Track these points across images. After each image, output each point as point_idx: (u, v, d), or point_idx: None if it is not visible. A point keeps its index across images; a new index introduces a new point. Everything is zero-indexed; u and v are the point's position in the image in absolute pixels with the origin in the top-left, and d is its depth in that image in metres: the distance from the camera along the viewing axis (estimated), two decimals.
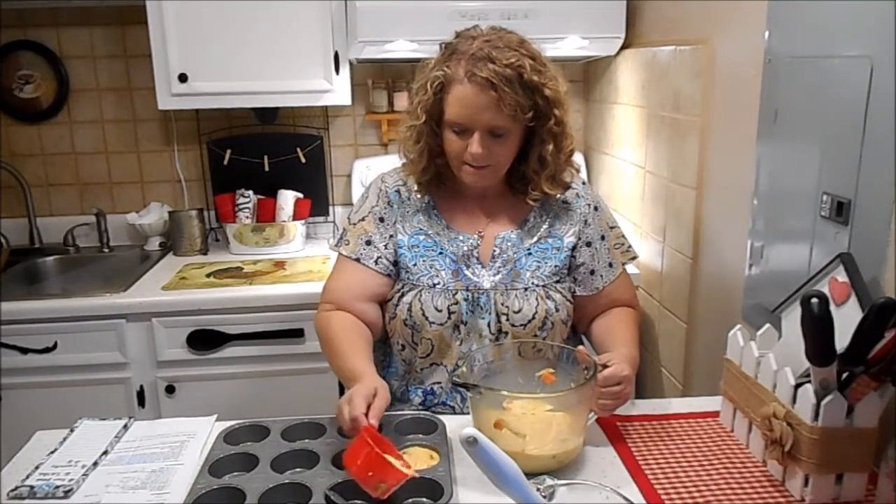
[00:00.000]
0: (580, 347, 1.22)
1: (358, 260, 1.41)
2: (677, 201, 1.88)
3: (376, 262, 1.41)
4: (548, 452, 1.11)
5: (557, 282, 1.41)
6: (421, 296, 1.37)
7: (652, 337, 2.08)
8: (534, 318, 1.36)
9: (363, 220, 1.44)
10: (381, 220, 1.43)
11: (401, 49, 2.13)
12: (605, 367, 1.17)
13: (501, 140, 1.31)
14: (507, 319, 1.36)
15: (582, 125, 2.67)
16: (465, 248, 1.39)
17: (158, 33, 2.16)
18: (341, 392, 2.13)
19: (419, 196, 1.44)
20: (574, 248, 1.43)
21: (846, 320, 1.02)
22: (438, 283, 1.38)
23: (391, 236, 1.42)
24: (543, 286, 1.39)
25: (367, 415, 1.10)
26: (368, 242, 1.42)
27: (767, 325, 1.24)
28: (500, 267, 1.39)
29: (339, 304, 1.41)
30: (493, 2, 2.08)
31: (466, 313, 1.37)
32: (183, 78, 2.19)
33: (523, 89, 1.27)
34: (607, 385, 1.17)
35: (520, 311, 1.36)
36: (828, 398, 1.00)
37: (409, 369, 1.44)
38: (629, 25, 2.16)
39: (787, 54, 1.36)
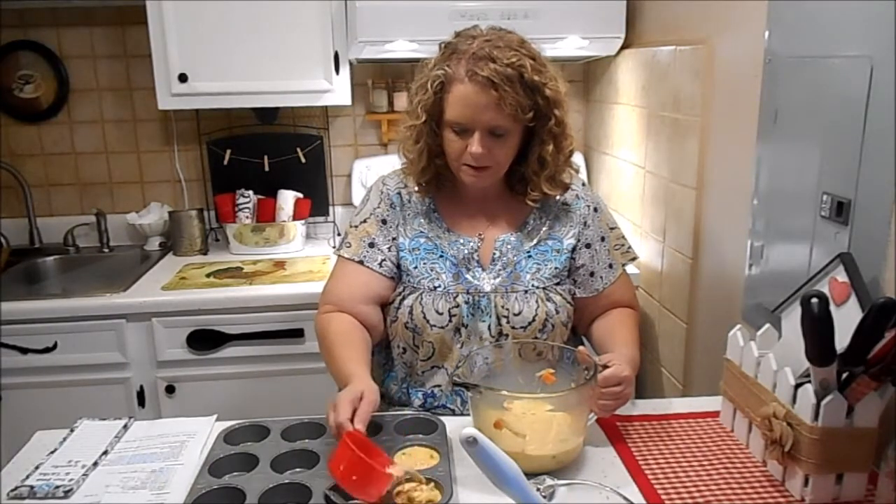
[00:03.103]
0: (581, 348, 1.21)
1: (361, 262, 1.40)
2: (677, 201, 1.88)
3: (380, 264, 1.40)
4: (548, 452, 1.11)
5: (557, 284, 1.41)
6: (422, 299, 1.37)
7: (652, 337, 2.08)
8: (534, 320, 1.36)
9: (365, 222, 1.44)
10: (384, 222, 1.43)
11: (401, 49, 2.13)
12: (605, 367, 1.17)
13: (501, 140, 1.31)
14: (508, 322, 1.36)
15: (582, 125, 2.67)
16: (466, 251, 1.39)
17: (158, 33, 2.16)
18: None
19: (420, 198, 1.43)
20: (574, 250, 1.43)
21: (846, 320, 1.02)
22: (439, 286, 1.38)
23: (394, 238, 1.42)
24: (544, 288, 1.39)
25: (353, 419, 1.08)
26: (371, 245, 1.41)
27: (767, 325, 1.24)
28: (500, 270, 1.39)
29: (341, 307, 1.40)
30: (493, 2, 2.07)
31: (467, 316, 1.37)
32: (183, 78, 2.19)
33: (524, 89, 1.27)
34: (607, 385, 1.16)
35: (520, 313, 1.36)
36: (828, 398, 1.00)
37: (410, 372, 1.44)
38: (629, 25, 2.16)
39: (787, 54, 1.36)
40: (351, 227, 1.46)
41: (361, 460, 0.99)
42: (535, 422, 1.11)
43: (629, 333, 1.39)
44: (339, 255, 1.45)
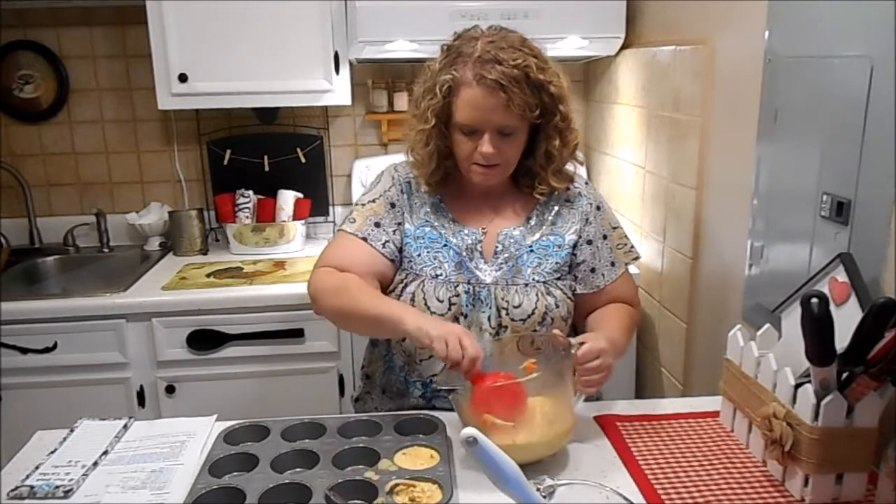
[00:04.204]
0: (555, 331, 1.24)
1: (364, 239, 1.41)
2: (677, 201, 1.88)
3: (384, 245, 1.41)
4: (538, 438, 1.11)
5: (558, 279, 1.42)
6: (423, 286, 1.39)
7: (652, 337, 2.08)
8: (533, 313, 1.37)
9: (374, 202, 1.45)
10: (393, 205, 1.44)
11: (401, 49, 2.13)
12: (581, 345, 1.19)
13: (510, 139, 1.33)
14: (507, 314, 1.38)
15: (582, 125, 2.67)
16: (469, 242, 1.41)
17: (158, 33, 2.16)
18: (341, 391, 2.15)
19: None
20: (575, 246, 1.44)
21: (846, 320, 1.02)
22: (441, 275, 1.39)
23: (399, 223, 1.44)
24: (544, 282, 1.40)
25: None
26: (377, 224, 1.42)
27: (767, 325, 1.24)
28: (501, 263, 1.40)
29: (342, 269, 1.39)
30: (493, 2, 2.08)
31: (467, 306, 1.38)
32: (183, 78, 2.19)
33: (530, 88, 1.29)
34: (586, 361, 1.19)
35: (520, 305, 1.37)
36: (828, 398, 1.00)
37: (409, 361, 1.45)
38: (629, 25, 2.16)
39: (787, 54, 1.36)
40: (357, 205, 1.46)
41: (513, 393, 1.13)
42: None
43: (617, 321, 1.40)
44: (341, 230, 1.44)
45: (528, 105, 1.29)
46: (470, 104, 1.30)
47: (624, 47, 2.21)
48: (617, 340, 1.30)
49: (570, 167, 1.44)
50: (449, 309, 1.37)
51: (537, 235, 1.43)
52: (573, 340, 1.21)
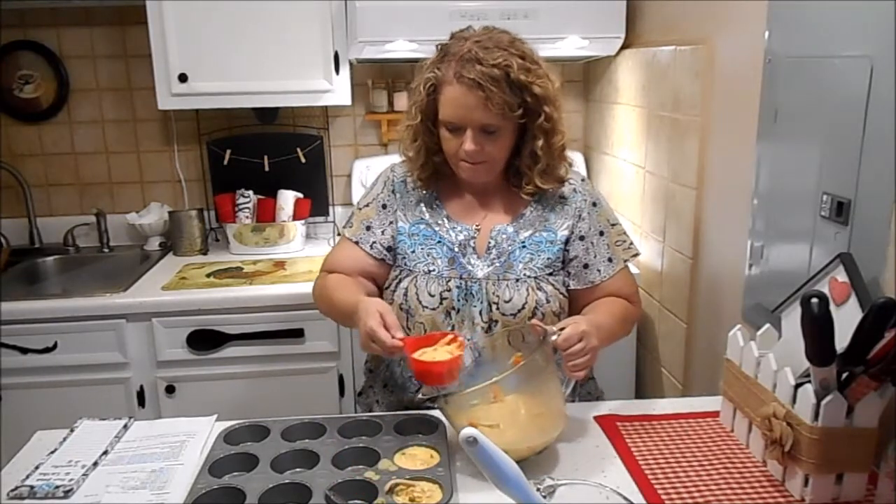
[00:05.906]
0: (533, 321, 1.25)
1: (357, 243, 1.48)
2: (677, 201, 1.88)
3: (371, 246, 1.48)
4: (529, 431, 1.12)
5: (550, 274, 1.43)
6: (416, 281, 1.42)
7: (652, 337, 2.09)
8: (524, 307, 1.38)
9: (367, 206, 1.51)
10: (384, 207, 1.49)
11: (401, 49, 2.13)
12: (562, 331, 1.20)
13: (494, 137, 1.34)
14: (498, 308, 1.39)
15: (582, 125, 2.67)
16: (463, 238, 1.43)
17: (158, 33, 2.16)
18: (341, 391, 2.15)
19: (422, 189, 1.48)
20: (567, 242, 1.45)
21: (846, 320, 1.02)
22: (433, 270, 1.42)
23: (391, 223, 1.47)
24: (535, 278, 1.41)
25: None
26: (368, 227, 1.49)
27: (767, 325, 1.24)
28: (494, 258, 1.42)
29: (336, 271, 1.49)
30: (493, 2, 2.08)
31: (458, 300, 1.40)
32: (183, 78, 2.19)
33: (511, 88, 1.30)
34: (569, 346, 1.19)
35: (510, 300, 1.39)
36: (828, 398, 1.00)
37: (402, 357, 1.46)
38: (629, 25, 2.16)
39: (787, 54, 1.36)
40: (357, 208, 1.53)
41: (419, 363, 1.18)
42: (501, 408, 1.12)
43: (605, 308, 1.40)
44: (342, 234, 1.53)
45: (507, 104, 1.30)
46: (451, 102, 1.33)
47: (624, 47, 2.21)
48: (601, 324, 1.30)
49: (561, 170, 1.43)
50: (441, 303, 1.40)
51: (530, 231, 1.44)
52: (552, 328, 1.21)
